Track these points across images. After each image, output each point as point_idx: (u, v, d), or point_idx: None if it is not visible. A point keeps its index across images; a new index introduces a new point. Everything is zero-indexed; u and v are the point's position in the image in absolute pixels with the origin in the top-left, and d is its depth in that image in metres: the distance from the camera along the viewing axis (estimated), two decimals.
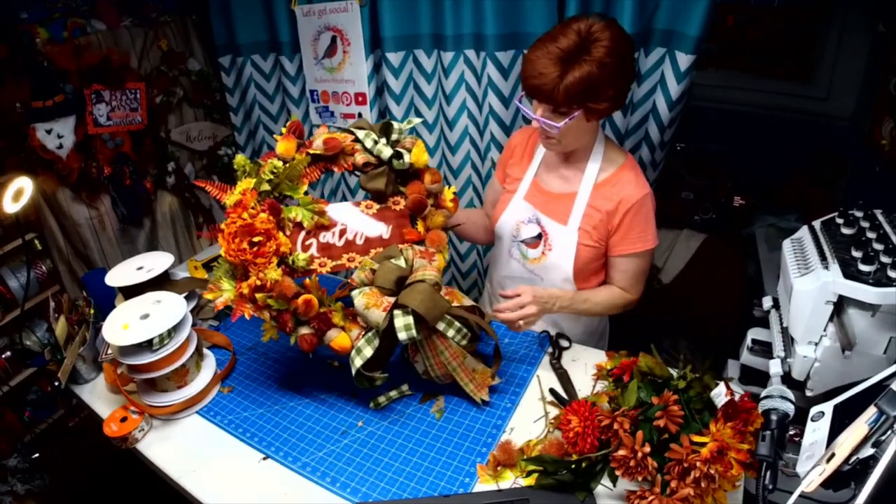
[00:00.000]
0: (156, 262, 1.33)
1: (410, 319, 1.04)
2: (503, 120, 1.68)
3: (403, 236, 1.20)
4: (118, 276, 1.29)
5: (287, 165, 1.12)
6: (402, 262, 1.12)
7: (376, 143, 1.18)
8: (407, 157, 1.18)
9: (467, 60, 1.67)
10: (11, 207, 1.35)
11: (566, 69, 1.04)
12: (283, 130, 1.16)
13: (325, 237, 1.17)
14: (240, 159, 1.14)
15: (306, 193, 1.16)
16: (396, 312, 1.05)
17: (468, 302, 1.17)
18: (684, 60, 1.39)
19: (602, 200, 1.20)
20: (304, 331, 1.09)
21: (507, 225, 1.33)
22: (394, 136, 1.21)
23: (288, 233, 1.13)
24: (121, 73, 1.95)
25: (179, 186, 2.31)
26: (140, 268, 1.30)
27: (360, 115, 1.93)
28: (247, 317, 1.07)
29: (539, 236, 1.28)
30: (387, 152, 1.17)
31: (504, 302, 1.19)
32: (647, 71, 1.49)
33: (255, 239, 1.05)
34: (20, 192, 1.36)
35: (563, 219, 1.24)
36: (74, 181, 1.94)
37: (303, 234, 1.15)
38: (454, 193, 1.25)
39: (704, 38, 1.35)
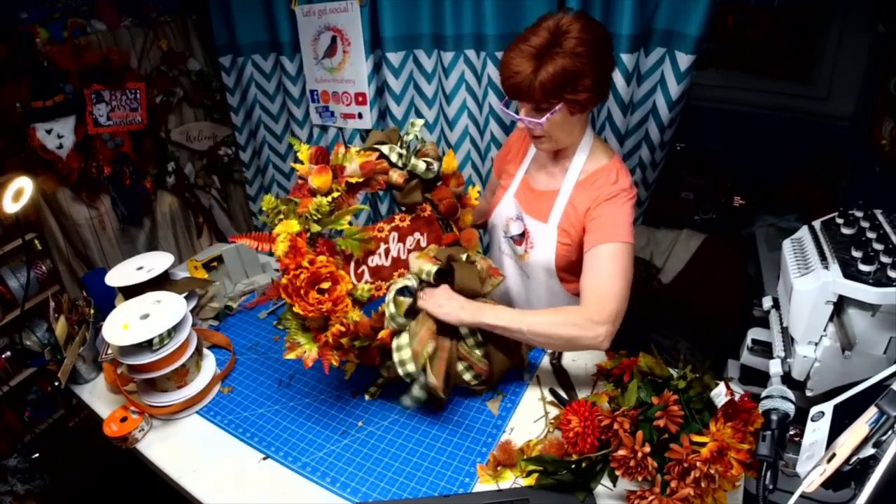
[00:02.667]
0: (156, 262, 1.33)
1: (433, 270, 1.09)
2: (503, 119, 1.68)
3: (441, 241, 1.22)
4: (118, 276, 1.29)
5: (334, 201, 1.05)
6: (463, 255, 1.18)
7: (401, 156, 1.16)
8: (436, 166, 1.18)
9: (467, 60, 1.67)
10: (11, 207, 1.35)
11: (539, 64, 1.05)
12: (304, 158, 1.07)
13: (374, 261, 1.16)
14: (270, 201, 1.04)
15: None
16: (426, 263, 1.10)
17: None
18: (684, 60, 1.39)
19: (580, 199, 1.19)
20: None
21: (498, 220, 1.35)
22: (417, 146, 1.20)
23: (341, 267, 1.09)
24: (121, 73, 1.96)
25: (179, 186, 2.31)
26: (140, 268, 1.30)
27: (360, 115, 1.93)
28: (335, 364, 1.04)
29: (523, 234, 1.29)
30: (421, 166, 1.17)
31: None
32: (647, 71, 1.49)
33: (324, 285, 1.00)
34: (20, 192, 1.36)
35: (544, 217, 1.24)
36: (74, 181, 1.95)
37: (352, 264, 1.12)
38: (478, 192, 1.28)
39: (704, 38, 1.35)
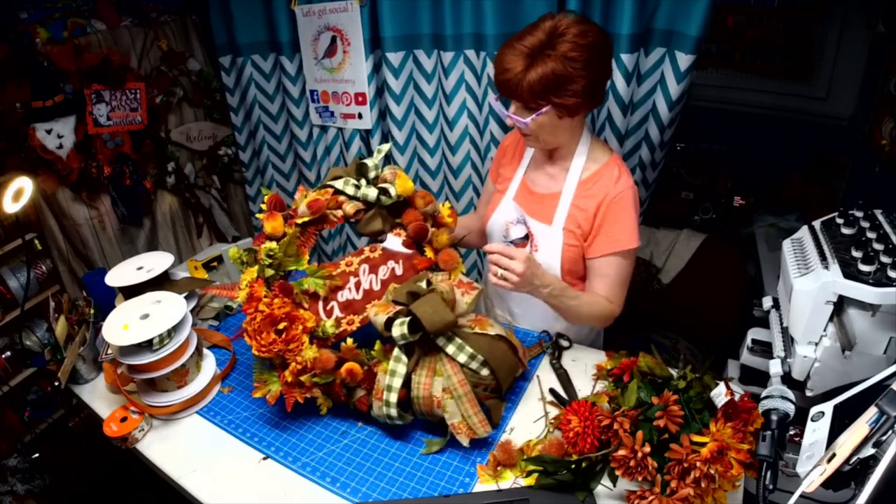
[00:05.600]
0: (156, 262, 1.33)
1: (405, 328, 1.00)
2: (503, 120, 1.68)
3: (416, 267, 1.18)
4: (118, 276, 1.29)
5: (281, 243, 1.09)
6: (422, 283, 1.08)
7: (357, 187, 1.15)
8: (392, 191, 1.16)
9: (467, 60, 1.67)
10: (11, 207, 1.35)
11: (530, 64, 1.05)
12: (264, 207, 1.13)
13: (344, 295, 1.15)
14: (233, 252, 1.11)
15: (309, 262, 1.14)
16: (395, 322, 1.02)
17: (496, 331, 1.09)
18: (684, 60, 1.39)
19: (584, 199, 1.20)
20: (360, 394, 1.09)
21: (496, 225, 1.34)
22: (371, 174, 1.18)
23: (306, 305, 1.10)
24: (121, 73, 1.96)
25: (179, 186, 2.31)
26: (140, 268, 1.30)
27: (360, 115, 1.93)
28: (300, 401, 1.05)
29: (526, 237, 1.28)
30: (372, 193, 1.14)
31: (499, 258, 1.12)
32: (647, 71, 1.49)
33: (280, 326, 1.03)
34: (20, 192, 1.36)
35: (548, 219, 1.24)
36: (74, 181, 1.95)
37: (320, 301, 1.13)
38: (450, 208, 1.23)
39: (704, 38, 1.35)
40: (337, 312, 1.14)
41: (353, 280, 1.16)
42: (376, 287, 1.17)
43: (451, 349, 1.04)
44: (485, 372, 1.05)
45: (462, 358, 1.04)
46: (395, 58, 1.75)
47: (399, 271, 1.18)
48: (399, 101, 1.84)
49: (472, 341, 1.05)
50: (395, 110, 1.86)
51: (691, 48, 1.36)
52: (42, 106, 1.79)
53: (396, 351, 1.04)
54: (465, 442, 1.01)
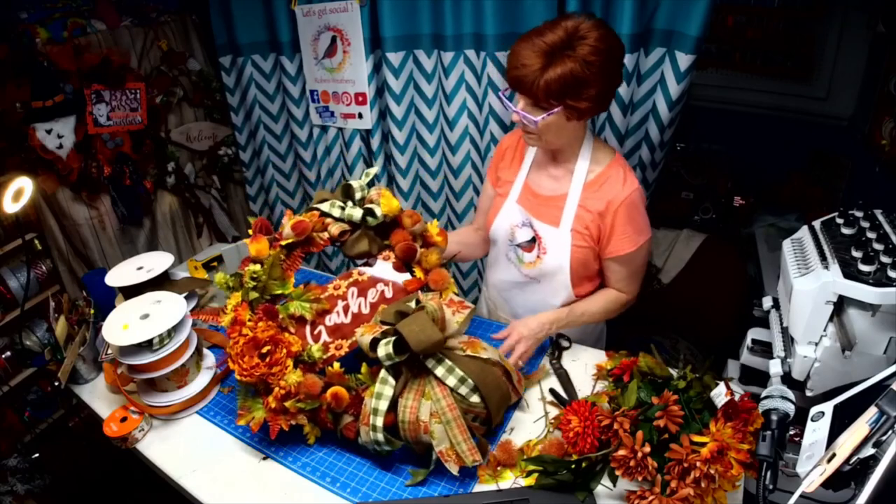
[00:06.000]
0: (156, 262, 1.33)
1: (391, 348, 0.96)
2: (503, 120, 1.68)
3: (406, 288, 1.15)
4: (118, 276, 1.29)
5: (265, 266, 1.08)
6: (411, 303, 1.04)
7: (343, 208, 1.14)
8: (378, 211, 1.14)
9: (467, 60, 1.67)
10: (11, 207, 1.35)
11: (548, 63, 1.04)
12: (250, 232, 1.12)
13: (332, 319, 1.11)
14: (219, 278, 1.09)
15: (296, 285, 1.12)
16: (381, 342, 0.98)
17: (489, 355, 1.05)
18: (684, 60, 1.39)
19: (591, 201, 1.20)
20: (347, 420, 1.04)
21: (501, 229, 1.33)
22: (358, 195, 1.16)
23: (293, 330, 1.08)
24: (121, 73, 1.96)
25: (179, 186, 2.31)
26: (140, 268, 1.30)
27: (360, 115, 1.93)
28: (285, 428, 1.02)
29: (533, 240, 1.28)
30: (357, 214, 1.12)
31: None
32: (647, 71, 1.49)
33: (264, 350, 1.00)
34: (20, 192, 1.36)
35: (554, 221, 1.23)
36: (74, 181, 1.95)
37: (308, 325, 1.10)
38: (439, 227, 1.21)
39: (704, 38, 1.35)
40: (325, 337, 1.10)
41: (341, 303, 1.13)
42: (365, 310, 1.13)
43: (440, 371, 0.99)
44: (475, 399, 1.00)
45: (451, 381, 0.99)
46: (395, 58, 1.76)
47: (389, 294, 1.15)
48: (399, 101, 1.84)
49: (462, 364, 1.00)
50: (395, 110, 1.86)
51: (691, 48, 1.36)
52: (42, 106, 1.79)
53: (383, 373, 0.99)
54: (454, 470, 0.96)
